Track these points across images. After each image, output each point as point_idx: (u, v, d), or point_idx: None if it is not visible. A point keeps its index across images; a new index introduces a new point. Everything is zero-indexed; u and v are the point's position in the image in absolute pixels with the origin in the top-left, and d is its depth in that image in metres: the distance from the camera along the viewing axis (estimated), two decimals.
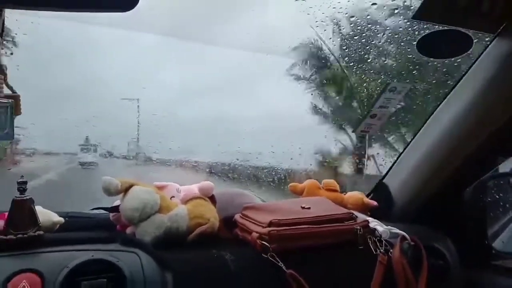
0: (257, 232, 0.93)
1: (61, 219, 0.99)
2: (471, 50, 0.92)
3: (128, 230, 0.97)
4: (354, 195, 1.30)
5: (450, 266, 1.13)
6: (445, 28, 0.85)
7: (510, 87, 0.97)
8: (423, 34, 0.86)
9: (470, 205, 1.25)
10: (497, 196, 1.35)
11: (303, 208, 1.05)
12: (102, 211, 1.07)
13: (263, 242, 0.90)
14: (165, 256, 0.85)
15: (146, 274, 0.79)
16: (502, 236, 1.35)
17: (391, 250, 1.01)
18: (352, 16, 0.92)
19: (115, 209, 0.99)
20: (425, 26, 0.84)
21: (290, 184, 1.35)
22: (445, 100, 1.14)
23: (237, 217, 1.06)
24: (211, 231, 0.98)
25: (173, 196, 1.09)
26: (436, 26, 0.85)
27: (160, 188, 1.07)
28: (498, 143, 1.08)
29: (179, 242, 0.96)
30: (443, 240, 1.18)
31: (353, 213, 1.05)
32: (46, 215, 0.96)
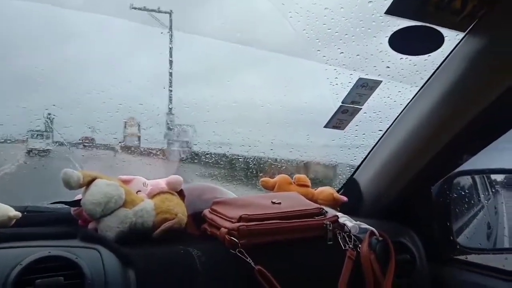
0: (226, 228, 0.91)
1: (18, 214, 0.93)
2: (442, 47, 0.93)
3: (90, 226, 0.93)
4: (325, 191, 1.30)
5: (417, 261, 1.15)
6: (417, 24, 0.85)
7: (477, 86, 0.99)
8: (395, 30, 0.86)
9: (437, 202, 1.28)
10: (462, 193, 1.39)
11: (273, 203, 1.04)
12: (63, 206, 1.02)
13: (231, 237, 0.88)
14: (129, 253, 0.81)
15: (107, 272, 0.76)
16: (466, 232, 1.40)
17: (359, 245, 1.01)
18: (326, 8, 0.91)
19: (77, 203, 0.95)
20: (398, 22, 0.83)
21: (262, 179, 1.34)
22: (415, 97, 1.15)
23: (206, 212, 1.04)
24: (178, 227, 0.95)
25: (139, 191, 1.05)
26: (409, 22, 0.85)
27: (126, 181, 1.03)
28: (464, 141, 1.10)
29: (144, 238, 0.92)
30: (410, 236, 1.20)
31: (323, 209, 1.05)
32: (1, 209, 0.91)
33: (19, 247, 0.76)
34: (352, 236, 1.02)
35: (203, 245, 0.91)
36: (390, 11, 0.82)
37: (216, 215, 0.99)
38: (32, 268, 0.71)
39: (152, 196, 1.01)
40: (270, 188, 1.31)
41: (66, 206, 1.00)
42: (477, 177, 1.60)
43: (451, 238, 1.27)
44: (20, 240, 0.79)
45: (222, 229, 0.92)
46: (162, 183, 1.08)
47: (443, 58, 1.00)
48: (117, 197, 0.91)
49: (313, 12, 0.92)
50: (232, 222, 0.92)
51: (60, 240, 0.83)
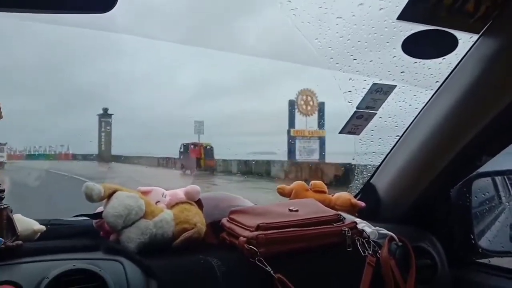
0: (244, 237, 0.92)
1: (42, 227, 0.96)
2: (456, 50, 0.92)
3: (112, 237, 0.95)
4: (342, 196, 1.30)
5: (438, 265, 1.13)
6: (430, 28, 0.85)
7: (494, 87, 0.98)
8: (408, 34, 0.86)
9: (456, 205, 1.26)
10: (483, 195, 1.37)
11: (290, 210, 1.04)
12: (85, 218, 1.04)
13: (251, 246, 0.89)
14: (150, 264, 0.82)
15: (130, 283, 0.77)
16: (488, 234, 1.37)
17: (379, 251, 1.00)
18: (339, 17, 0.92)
19: (98, 215, 0.97)
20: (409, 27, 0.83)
21: (278, 187, 1.34)
22: (431, 100, 1.14)
23: (224, 221, 1.04)
24: (198, 236, 0.96)
25: (159, 201, 1.07)
26: (421, 26, 0.85)
27: (145, 193, 1.05)
28: (483, 143, 1.09)
29: (164, 248, 0.94)
30: (430, 240, 1.19)
31: (341, 215, 1.05)
32: (26, 223, 0.93)
33: (45, 260, 0.79)
34: (371, 242, 1.01)
35: (222, 254, 0.92)
36: (402, 17, 0.82)
37: (234, 224, 1.00)
38: (58, 281, 0.73)
39: (171, 206, 1.03)
40: (287, 195, 1.31)
41: (88, 219, 1.03)
42: (497, 179, 1.57)
43: (473, 241, 1.25)
44: (45, 254, 0.81)
45: (241, 238, 0.92)
46: (180, 193, 1.10)
47: (458, 61, 0.99)
48: (137, 209, 0.93)
49: (325, 21, 0.93)
50: (250, 231, 0.93)
51: (84, 252, 0.85)
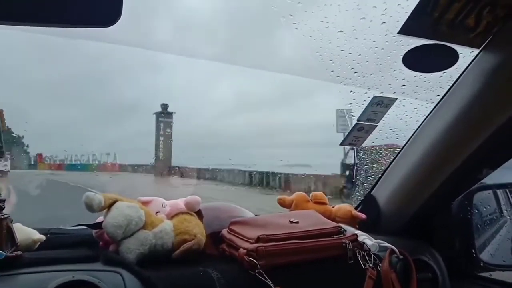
0: (244, 248, 0.91)
1: (42, 237, 0.96)
2: (457, 64, 0.93)
3: (111, 247, 0.94)
4: (343, 208, 1.29)
5: (439, 279, 1.12)
6: (431, 42, 0.86)
7: (494, 101, 0.98)
8: (409, 48, 0.87)
9: (457, 218, 1.26)
10: (484, 208, 1.36)
11: (291, 222, 1.04)
12: (85, 228, 1.04)
13: (251, 258, 0.88)
14: (149, 275, 0.82)
15: None
16: (489, 248, 1.36)
17: (380, 264, 1.00)
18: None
19: (98, 225, 0.97)
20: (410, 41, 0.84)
21: (279, 197, 1.34)
22: (432, 113, 1.14)
23: (224, 232, 1.04)
24: (197, 248, 0.96)
25: (159, 211, 1.07)
26: (422, 41, 0.85)
27: (145, 203, 1.05)
28: (484, 156, 1.09)
29: (164, 259, 0.93)
30: (431, 253, 1.18)
31: (341, 227, 1.04)
32: (25, 233, 0.93)
33: (45, 271, 0.78)
34: (372, 255, 1.01)
35: (222, 266, 0.92)
36: (403, 31, 0.83)
37: (234, 235, 0.99)
38: None
39: (171, 217, 1.03)
40: (287, 206, 1.31)
41: (88, 229, 1.02)
42: (499, 192, 1.57)
43: (474, 254, 1.24)
44: (45, 265, 0.81)
45: (241, 250, 0.92)
46: (180, 203, 1.09)
47: (458, 75, 1.00)
48: (137, 219, 0.92)
49: (326, 34, 0.94)
50: (251, 243, 0.93)
51: (83, 263, 0.85)
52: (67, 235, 1.07)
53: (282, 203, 1.32)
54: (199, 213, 1.06)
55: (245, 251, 0.90)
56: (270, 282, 0.85)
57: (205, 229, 1.02)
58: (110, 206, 0.93)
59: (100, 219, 0.98)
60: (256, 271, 0.86)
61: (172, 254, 0.94)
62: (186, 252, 0.94)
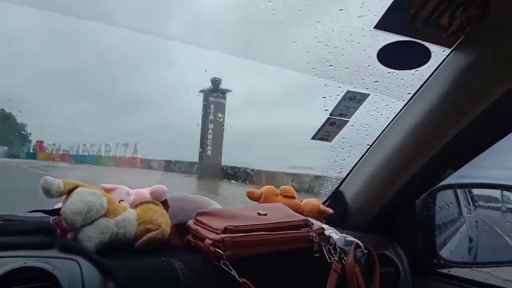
0: (210, 239, 0.89)
1: None
2: (429, 62, 0.94)
3: (69, 235, 0.89)
4: (311, 202, 1.29)
5: (401, 273, 1.15)
6: (406, 39, 0.86)
7: (460, 102, 1.01)
8: (384, 44, 0.87)
9: (421, 215, 1.29)
10: (446, 206, 1.41)
11: (259, 214, 1.03)
12: (42, 214, 0.98)
13: (216, 249, 0.86)
14: (109, 264, 0.78)
15: (86, 284, 0.73)
16: (449, 245, 1.41)
17: (345, 258, 1.01)
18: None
19: (56, 212, 0.91)
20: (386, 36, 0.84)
21: (248, 190, 1.32)
22: (401, 111, 1.16)
23: (190, 223, 1.02)
24: (161, 238, 0.93)
25: (122, 200, 1.02)
26: (397, 37, 0.86)
27: (108, 190, 1.00)
28: (447, 156, 1.12)
29: (126, 248, 0.90)
30: (395, 248, 1.21)
31: (309, 220, 1.04)
32: None
33: None
34: (338, 249, 1.01)
35: (186, 257, 0.89)
36: (379, 26, 0.83)
37: (201, 226, 0.97)
38: (6, 280, 0.68)
39: (135, 205, 0.99)
40: (256, 199, 1.30)
41: (45, 215, 0.96)
42: (459, 191, 1.63)
43: (435, 251, 1.28)
44: None
45: (207, 240, 0.90)
46: (145, 192, 1.06)
47: (430, 73, 1.02)
48: (99, 206, 0.88)
49: (304, 24, 0.93)
50: (217, 234, 0.91)
51: (37, 250, 0.79)
52: (21, 222, 1.00)
53: (251, 196, 1.31)
54: (165, 203, 1.03)
55: (211, 241, 0.88)
56: (235, 273, 0.84)
57: (171, 220, 0.99)
58: (70, 192, 0.88)
59: (59, 205, 0.92)
60: (222, 262, 0.85)
61: (134, 243, 0.91)
62: (149, 241, 0.91)
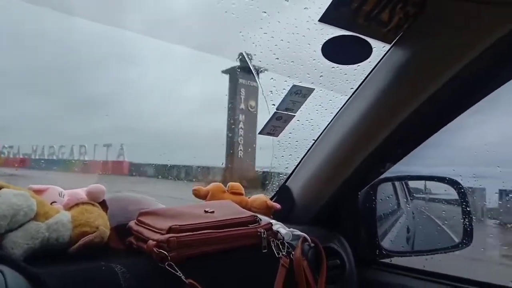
0: (154, 240, 0.84)
1: None
2: (369, 58, 0.97)
3: None
4: (259, 198, 1.29)
5: (346, 265, 1.18)
6: (349, 34, 0.88)
7: (399, 98, 1.05)
8: (328, 38, 0.88)
9: (363, 207, 1.33)
10: (387, 198, 1.47)
11: (206, 212, 1.00)
12: None
13: (160, 250, 0.82)
14: (39, 272, 0.70)
15: None
16: (389, 235, 1.47)
17: (292, 252, 1.01)
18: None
19: None
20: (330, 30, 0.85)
21: (194, 188, 1.28)
22: (344, 106, 1.19)
23: (132, 224, 0.96)
24: (100, 241, 0.86)
25: (55, 201, 0.94)
26: (341, 31, 0.87)
27: (38, 191, 0.91)
28: (387, 150, 1.17)
29: (60, 254, 0.82)
30: (340, 241, 1.24)
31: (257, 216, 1.03)
32: None
33: None
34: (286, 243, 1.01)
35: (128, 260, 0.83)
36: (324, 19, 0.83)
37: (144, 227, 0.92)
38: None
39: (69, 207, 0.91)
40: (202, 197, 1.26)
41: None
42: (397, 184, 1.71)
43: (377, 242, 1.33)
44: None
45: (150, 241, 0.85)
46: (81, 193, 0.98)
47: (371, 69, 1.05)
48: (26, 209, 0.79)
49: (250, 14, 0.91)
50: (161, 234, 0.86)
51: None
52: None
53: (197, 194, 1.27)
54: (103, 204, 0.96)
55: (154, 242, 0.83)
56: (181, 274, 0.80)
57: (110, 221, 0.93)
58: None
59: None
60: (166, 263, 0.80)
61: (69, 248, 0.83)
62: (86, 245, 0.83)
